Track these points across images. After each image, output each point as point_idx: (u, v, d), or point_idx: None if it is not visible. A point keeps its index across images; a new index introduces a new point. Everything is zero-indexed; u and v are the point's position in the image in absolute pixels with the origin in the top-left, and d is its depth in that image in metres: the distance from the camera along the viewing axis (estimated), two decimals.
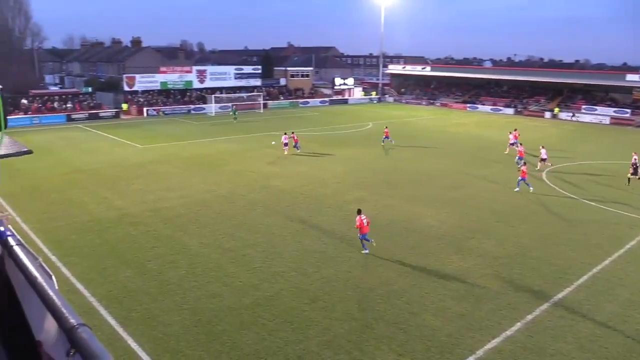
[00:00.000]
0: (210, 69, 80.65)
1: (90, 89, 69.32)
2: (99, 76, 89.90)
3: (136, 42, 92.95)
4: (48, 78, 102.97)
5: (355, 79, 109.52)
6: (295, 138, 40.22)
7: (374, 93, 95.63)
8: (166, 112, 66.88)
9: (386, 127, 46.05)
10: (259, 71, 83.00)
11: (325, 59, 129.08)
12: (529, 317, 15.02)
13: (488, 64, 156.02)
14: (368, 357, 12.81)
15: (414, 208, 25.55)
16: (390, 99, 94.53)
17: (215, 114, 67.44)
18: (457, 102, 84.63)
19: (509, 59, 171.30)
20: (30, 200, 26.19)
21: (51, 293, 1.74)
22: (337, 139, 47.88)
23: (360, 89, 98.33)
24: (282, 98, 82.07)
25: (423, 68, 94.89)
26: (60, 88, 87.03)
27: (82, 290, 16.24)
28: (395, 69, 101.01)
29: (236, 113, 64.68)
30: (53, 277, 1.91)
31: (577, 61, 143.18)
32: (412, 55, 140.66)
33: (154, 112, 65.99)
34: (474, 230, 22.38)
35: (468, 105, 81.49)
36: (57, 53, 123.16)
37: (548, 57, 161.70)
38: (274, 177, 31.73)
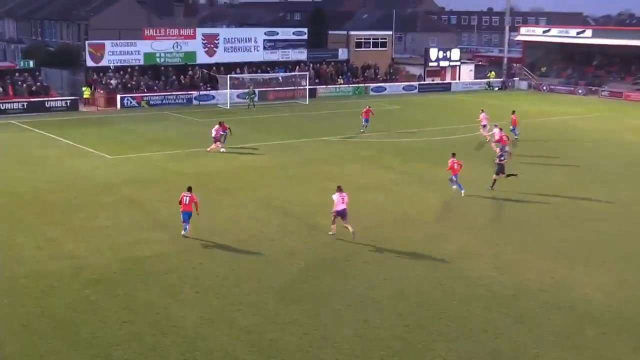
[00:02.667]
0: (224, 32, 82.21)
1: (31, 63, 71.82)
2: (46, 43, 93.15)
3: None
4: None
5: (464, 51, 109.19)
6: (225, 126, 46.20)
7: (492, 74, 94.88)
8: (152, 102, 68.66)
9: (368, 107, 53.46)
10: (304, 36, 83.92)
11: (414, 18, 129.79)
12: None
13: None
14: None
15: (559, 268, 25.01)
16: (523, 84, 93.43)
17: (232, 105, 68.65)
18: (639, 89, 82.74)
19: None
20: None
21: None
22: (432, 150, 47.46)
23: (472, 67, 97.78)
24: (340, 81, 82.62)
25: (580, 32, 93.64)
26: None
27: None
28: (531, 34, 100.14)
29: (254, 99, 66.95)
30: None
31: None
32: (561, 12, 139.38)
33: (133, 102, 67.84)
34: None
35: None
36: None
37: None
38: (327, 211, 31.11)
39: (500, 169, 35.79)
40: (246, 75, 74.53)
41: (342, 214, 27.17)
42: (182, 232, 27.77)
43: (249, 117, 61.99)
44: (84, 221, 29.73)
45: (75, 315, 20.53)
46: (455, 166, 34.22)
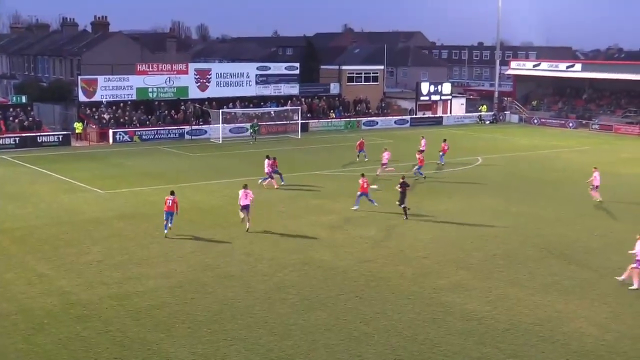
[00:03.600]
0: (217, 67, 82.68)
1: (23, 99, 71.88)
2: (39, 78, 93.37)
3: (100, 24, 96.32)
4: None
5: (455, 85, 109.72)
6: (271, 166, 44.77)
7: (484, 108, 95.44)
8: (145, 137, 68.84)
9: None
10: (296, 71, 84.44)
11: (406, 52, 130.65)
12: None
13: None
14: None
15: (553, 303, 24.98)
16: (514, 118, 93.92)
17: (224, 139, 68.92)
18: (629, 122, 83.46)
19: None
20: None
21: None
22: (424, 183, 47.60)
23: (463, 101, 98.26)
24: (332, 115, 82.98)
25: (569, 66, 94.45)
26: None
27: None
28: (521, 67, 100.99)
29: (257, 131, 68.23)
30: None
31: None
32: (551, 46, 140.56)
33: (126, 137, 67.98)
34: None
35: None
36: None
37: None
38: (320, 245, 31.77)
39: (402, 198, 37.03)
40: (239, 110, 74.92)
41: (245, 208, 33.65)
42: (165, 231, 32.53)
43: (241, 152, 62.09)
44: (76, 257, 29.62)
45: (65, 352, 20.35)
46: (365, 185, 37.84)
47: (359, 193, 38.19)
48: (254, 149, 63.50)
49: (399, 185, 37.25)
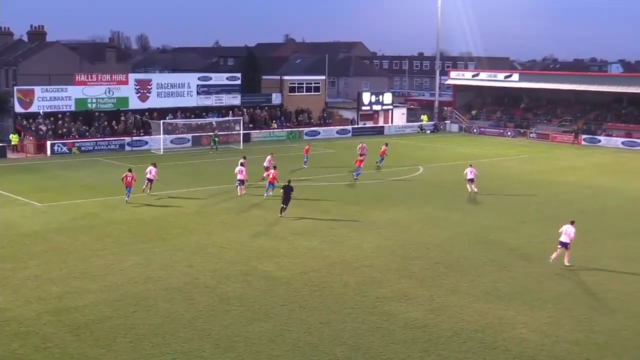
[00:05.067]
0: (157, 78, 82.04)
1: None
2: None
3: (37, 34, 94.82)
4: None
5: (396, 95, 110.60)
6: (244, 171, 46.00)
7: (425, 117, 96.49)
8: (84, 149, 67.89)
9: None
10: (238, 81, 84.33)
11: (347, 63, 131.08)
12: None
13: (616, 70, 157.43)
14: None
15: (495, 310, 25.26)
16: (455, 127, 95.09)
17: (166, 150, 68.41)
18: (564, 131, 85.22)
19: None
20: None
21: None
22: (367, 193, 47.80)
23: (404, 110, 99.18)
24: (274, 125, 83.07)
25: (507, 76, 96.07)
26: None
27: None
28: (460, 77, 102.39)
29: (217, 141, 69.82)
30: None
31: None
32: (490, 57, 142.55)
33: (64, 149, 66.97)
34: (603, 348, 22.01)
35: (584, 136, 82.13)
36: None
37: None
38: (263, 256, 31.63)
39: (285, 199, 39.02)
40: (180, 121, 74.57)
41: (151, 181, 43.68)
42: (126, 199, 41.54)
43: (183, 162, 61.67)
44: (12, 272, 28.92)
45: None
46: (270, 176, 43.47)
47: (268, 183, 43.61)
48: (194, 160, 63.25)
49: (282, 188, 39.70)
